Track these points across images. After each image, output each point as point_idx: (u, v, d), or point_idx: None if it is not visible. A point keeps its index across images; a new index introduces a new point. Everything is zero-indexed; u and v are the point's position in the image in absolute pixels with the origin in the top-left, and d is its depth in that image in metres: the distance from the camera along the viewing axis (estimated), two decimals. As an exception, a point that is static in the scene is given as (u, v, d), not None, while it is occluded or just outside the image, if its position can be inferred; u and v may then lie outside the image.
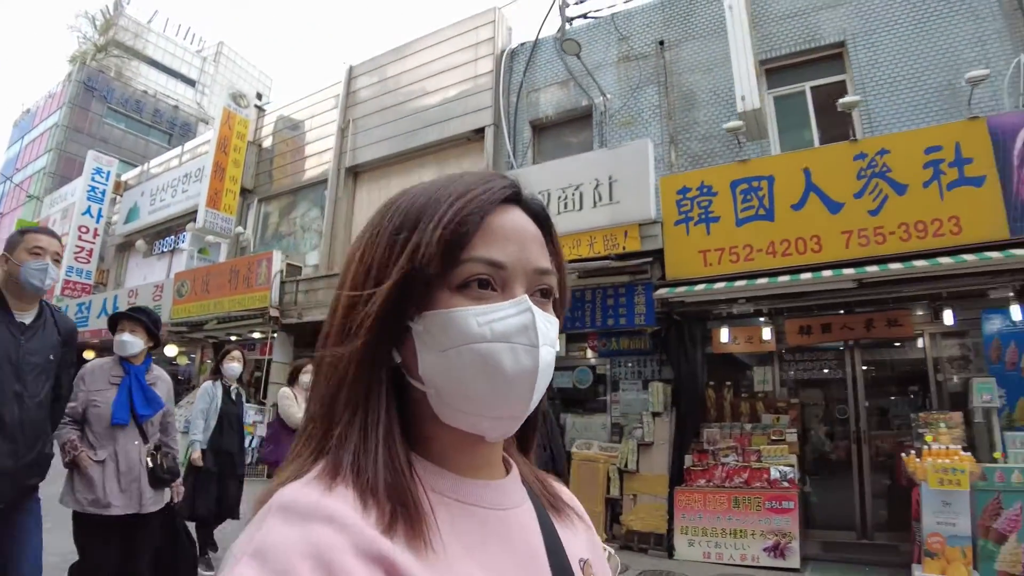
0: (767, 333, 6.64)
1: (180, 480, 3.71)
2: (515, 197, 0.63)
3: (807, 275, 5.50)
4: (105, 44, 37.84)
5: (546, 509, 0.70)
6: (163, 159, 17.54)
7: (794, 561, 5.50)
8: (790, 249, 5.74)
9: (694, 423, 6.58)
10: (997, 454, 5.18)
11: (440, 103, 10.46)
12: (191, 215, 13.33)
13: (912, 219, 5.40)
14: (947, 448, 5.10)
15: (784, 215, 5.84)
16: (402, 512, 0.51)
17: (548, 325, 0.60)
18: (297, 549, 0.45)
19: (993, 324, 5.70)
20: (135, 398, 3.40)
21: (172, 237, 15.53)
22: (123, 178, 18.40)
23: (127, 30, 40.22)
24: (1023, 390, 5.55)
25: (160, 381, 3.62)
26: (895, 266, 5.24)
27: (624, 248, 6.40)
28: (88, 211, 17.38)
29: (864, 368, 6.74)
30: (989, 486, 4.98)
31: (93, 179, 17.56)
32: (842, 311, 6.61)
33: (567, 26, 9.42)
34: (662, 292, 6.11)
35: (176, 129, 35.89)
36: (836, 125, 7.03)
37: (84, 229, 17.23)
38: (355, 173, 11.77)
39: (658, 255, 6.46)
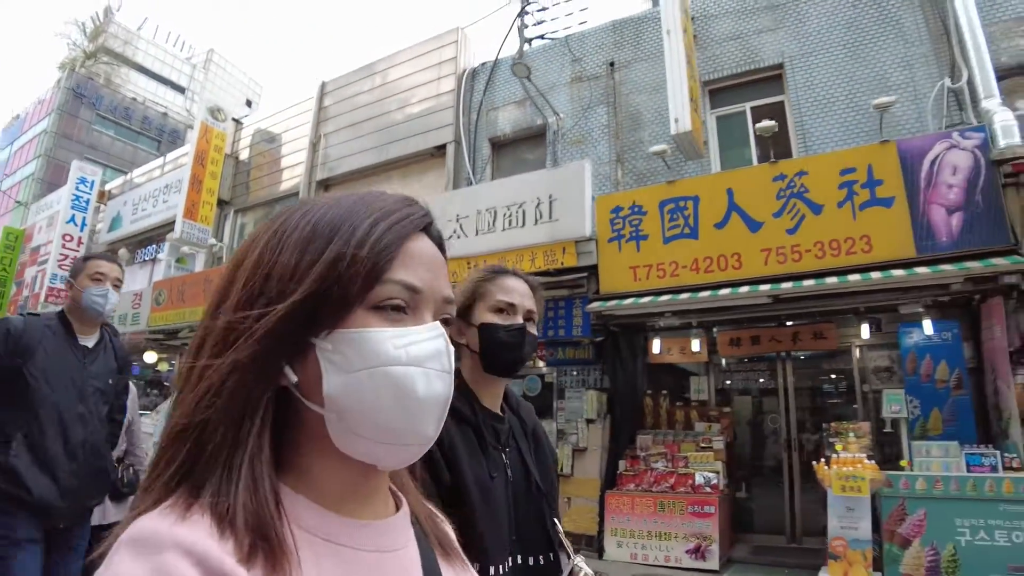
0: (696, 345, 7.01)
1: None
2: (428, 225, 0.64)
3: (726, 291, 5.85)
4: (95, 51, 38.19)
5: (435, 552, 0.68)
6: (145, 169, 17.88)
7: (713, 563, 5.85)
8: (712, 266, 6.09)
9: (630, 430, 6.93)
10: (903, 462, 5.51)
11: (405, 120, 10.83)
12: (171, 225, 13.62)
13: (827, 238, 5.75)
14: (853, 456, 5.44)
15: (708, 233, 6.20)
16: (262, 546, 0.48)
17: (451, 354, 0.60)
18: None
19: (910, 338, 6.04)
20: None
21: (153, 246, 15.84)
22: (107, 187, 18.71)
23: (117, 37, 40.55)
24: (936, 401, 5.89)
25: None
26: (808, 283, 5.60)
27: (562, 264, 6.75)
28: (72, 219, 17.65)
29: (795, 379, 7.08)
30: (895, 493, 5.31)
31: (77, 188, 17.84)
32: (774, 324, 6.96)
33: (525, 47, 9.81)
34: (595, 306, 6.48)
35: (165, 136, 36.11)
36: (774, 144, 7.39)
37: (68, 237, 17.50)
38: (326, 186, 12.10)
39: (593, 270, 6.81)
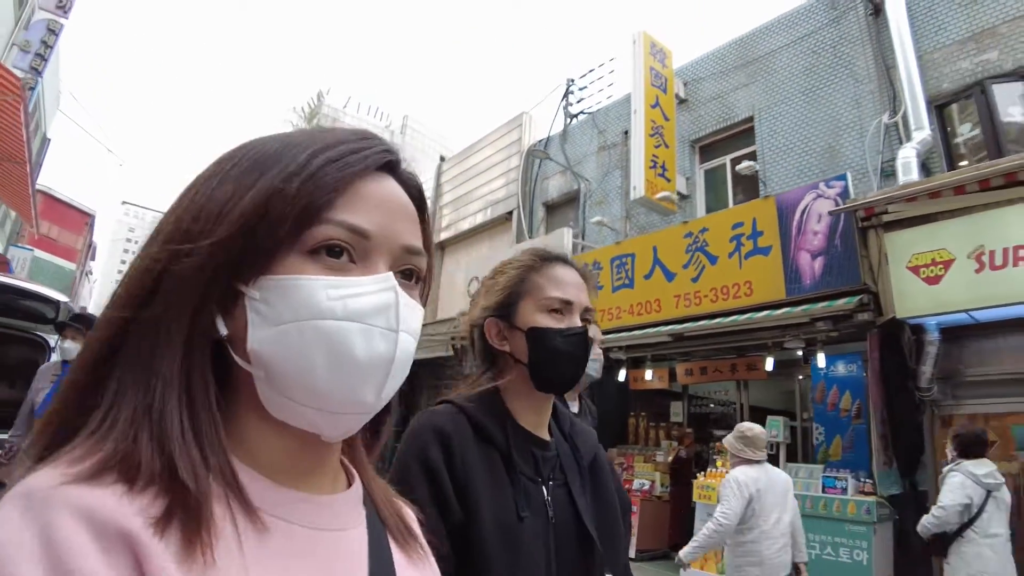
0: (648, 374, 8.68)
1: None
2: (390, 165, 0.57)
3: (646, 330, 7.72)
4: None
5: (392, 538, 0.62)
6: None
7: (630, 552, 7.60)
8: (642, 310, 7.95)
9: (607, 445, 8.86)
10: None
11: (489, 192, 13.70)
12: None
13: (720, 284, 7.33)
14: (721, 471, 6.59)
15: (640, 283, 8.08)
16: (180, 508, 0.42)
17: (411, 311, 0.54)
18: (26, 547, 0.37)
19: (821, 369, 6.98)
20: None
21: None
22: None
23: (327, 116, 49.66)
24: (839, 429, 6.75)
25: None
26: (702, 323, 7.27)
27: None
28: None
29: (751, 402, 8.43)
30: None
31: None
32: (719, 357, 8.22)
33: (570, 122, 12.19)
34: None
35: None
36: (747, 191, 8.90)
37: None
38: (442, 247, 15.39)
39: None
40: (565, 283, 1.22)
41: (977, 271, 5.44)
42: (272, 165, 0.52)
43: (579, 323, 1.20)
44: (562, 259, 1.29)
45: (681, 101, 9.94)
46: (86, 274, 39.35)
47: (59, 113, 22.58)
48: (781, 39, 8.94)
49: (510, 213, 12.81)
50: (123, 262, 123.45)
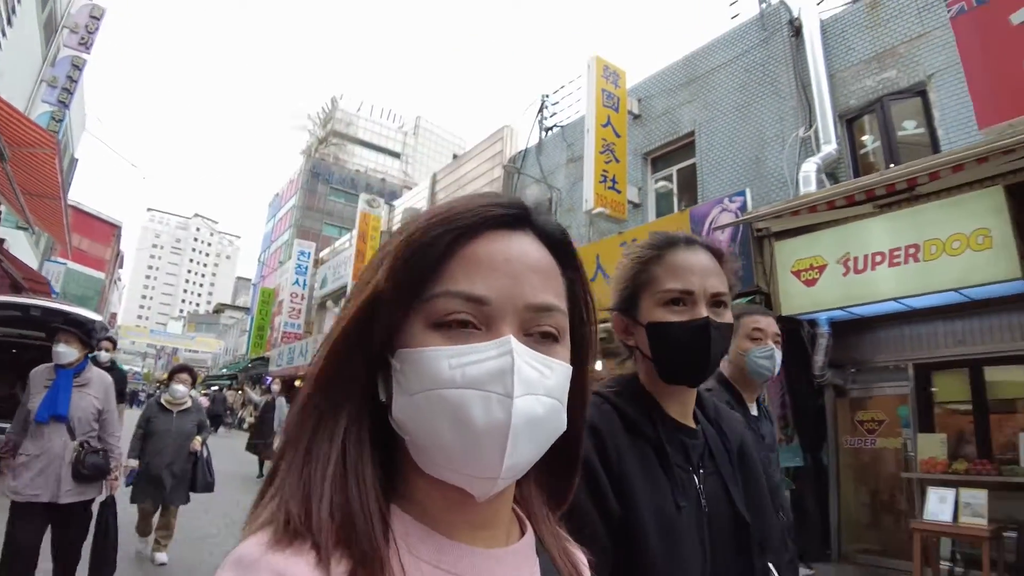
0: (599, 365, 9.84)
1: (116, 475, 4.07)
2: (516, 221, 0.58)
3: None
4: (326, 136, 48.86)
5: None
6: (341, 242, 24.32)
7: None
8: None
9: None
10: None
11: (475, 198, 14.89)
12: (349, 285, 19.36)
13: None
14: None
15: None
16: (362, 568, 0.47)
17: (540, 372, 0.54)
18: None
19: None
20: (59, 399, 3.73)
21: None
22: (321, 255, 25.64)
23: (341, 120, 51.38)
24: None
25: (93, 382, 3.96)
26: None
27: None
28: (296, 282, 24.76)
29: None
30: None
31: (299, 259, 24.96)
32: None
33: (544, 135, 13.31)
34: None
35: (385, 196, 44.90)
36: (691, 201, 9.96)
37: (294, 296, 24.59)
38: (435, 249, 16.65)
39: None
40: (686, 270, 1.16)
41: (844, 275, 6.50)
42: (409, 240, 0.55)
43: (703, 313, 1.13)
44: (686, 241, 1.22)
45: (635, 117, 11.00)
46: (115, 281, 41.51)
47: (85, 133, 24.28)
48: (719, 58, 9.94)
49: (494, 220, 13.96)
50: (150, 267, 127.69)
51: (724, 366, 2.36)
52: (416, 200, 18.14)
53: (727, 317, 1.18)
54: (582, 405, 0.64)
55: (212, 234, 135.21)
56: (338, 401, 0.54)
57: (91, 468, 3.80)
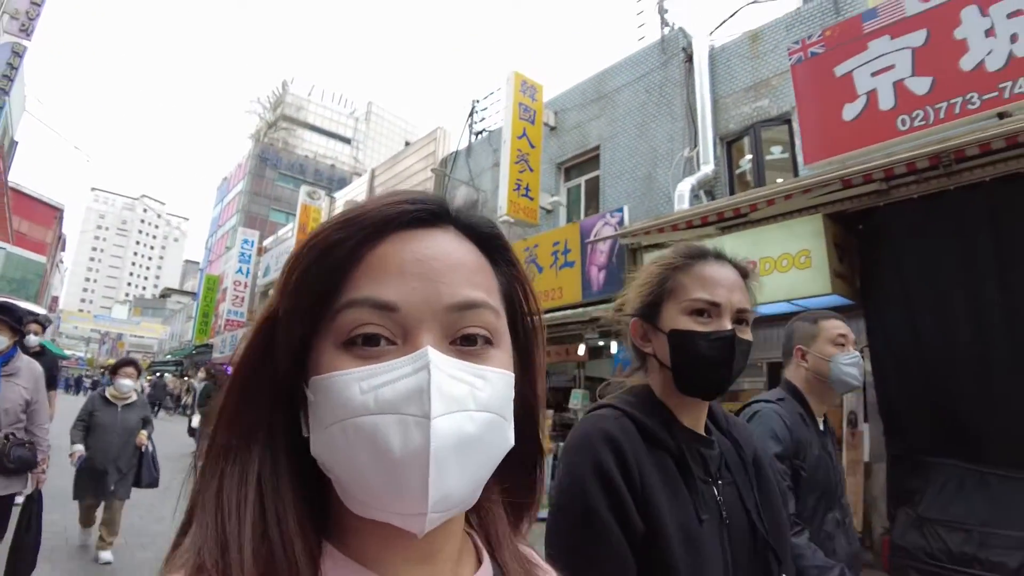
0: None
1: (41, 468, 3.98)
2: (433, 218, 0.53)
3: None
4: (275, 120, 48.72)
5: None
6: (284, 231, 24.80)
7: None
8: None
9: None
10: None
11: (410, 195, 15.68)
12: (289, 275, 19.93)
13: (543, 288, 9.45)
14: None
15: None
16: None
17: (470, 384, 0.48)
18: None
19: (616, 354, 8.85)
20: None
21: (286, 289, 22.61)
22: (264, 244, 26.06)
23: (291, 104, 51.19)
24: None
25: (22, 371, 3.84)
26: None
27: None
28: (240, 270, 25.17)
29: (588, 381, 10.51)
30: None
31: (242, 247, 25.35)
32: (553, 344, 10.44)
33: (474, 139, 14.16)
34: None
35: (335, 183, 45.06)
36: (595, 209, 10.94)
37: (238, 283, 25.01)
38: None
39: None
40: (714, 282, 1.17)
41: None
42: (305, 251, 0.49)
43: (728, 326, 1.14)
44: (714, 255, 1.24)
45: (551, 128, 11.94)
46: (56, 264, 40.93)
47: (25, 114, 24.15)
48: (624, 77, 10.94)
49: (425, 218, 14.80)
50: (94, 249, 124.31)
51: (794, 374, 2.17)
52: (357, 193, 18.81)
53: (748, 335, 1.19)
54: (534, 411, 0.58)
55: (159, 216, 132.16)
56: (249, 439, 0.49)
57: (16, 461, 3.73)
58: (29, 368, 3.94)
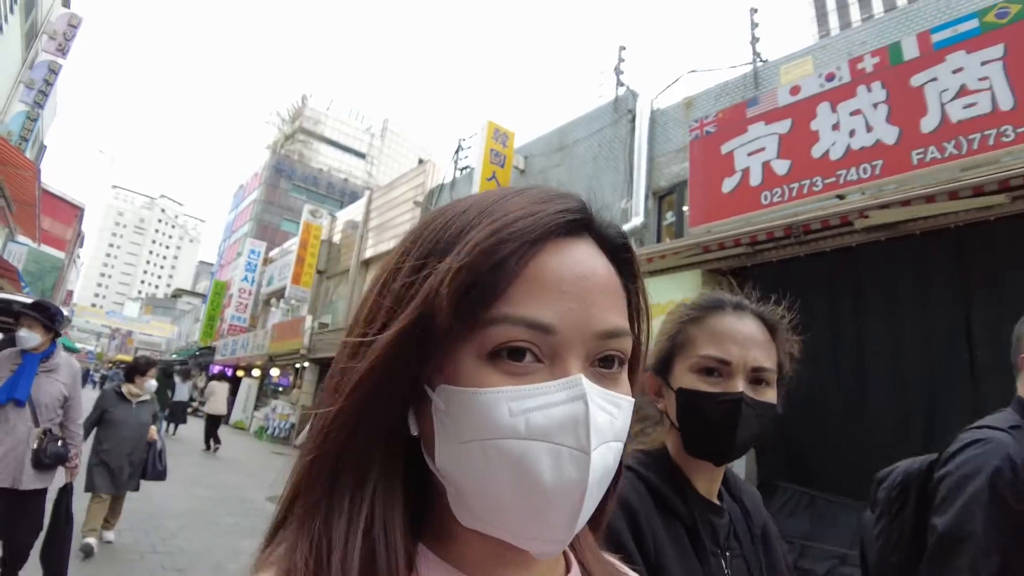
0: None
1: (74, 463, 4.13)
2: (580, 225, 0.52)
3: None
4: (292, 132, 51.04)
5: None
6: (287, 245, 26.68)
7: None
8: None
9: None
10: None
11: (398, 224, 17.44)
12: (292, 285, 21.79)
13: None
14: None
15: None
16: None
17: (610, 414, 0.48)
18: None
19: None
20: (19, 383, 3.80)
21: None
22: (270, 255, 27.95)
23: (309, 118, 53.57)
24: None
25: (61, 367, 4.03)
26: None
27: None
28: (245, 278, 27.05)
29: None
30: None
31: (249, 257, 27.24)
32: None
33: (459, 174, 15.94)
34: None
35: (346, 197, 47.06)
36: None
37: (243, 291, 26.89)
38: (367, 263, 19.13)
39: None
40: (727, 338, 1.10)
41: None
42: (450, 246, 0.47)
43: (738, 387, 1.07)
44: (735, 305, 1.16)
45: (521, 172, 13.66)
46: (74, 260, 43.21)
47: (56, 119, 26.32)
48: (582, 131, 12.66)
49: (411, 243, 16.55)
50: (111, 246, 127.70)
51: None
52: (355, 214, 20.60)
53: (768, 395, 1.11)
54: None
55: (177, 216, 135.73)
56: (372, 435, 0.48)
57: (51, 457, 3.90)
58: (68, 365, 4.12)
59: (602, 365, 0.50)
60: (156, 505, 7.59)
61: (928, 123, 6.44)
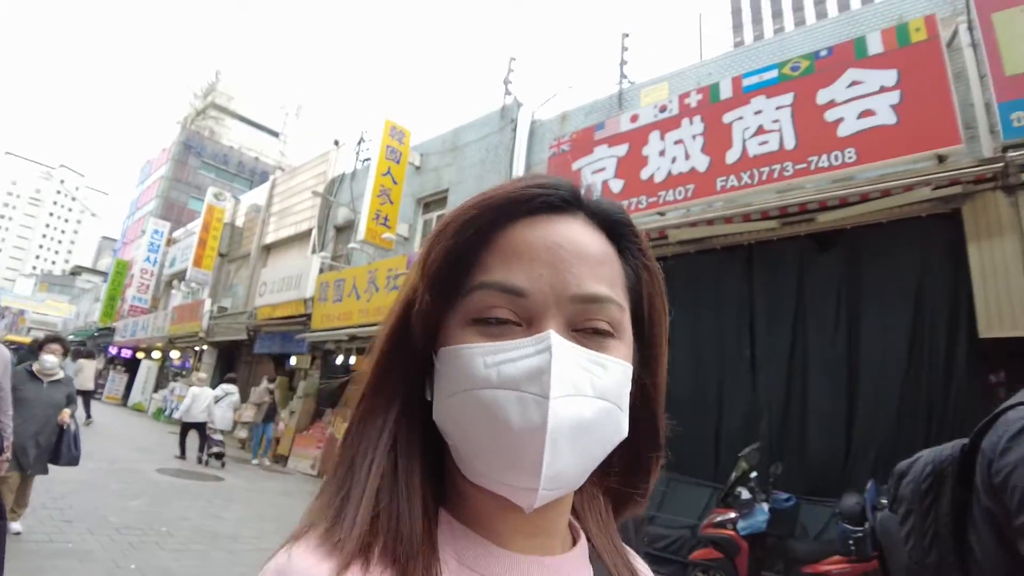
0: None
1: (5, 457, 4.16)
2: (563, 204, 0.56)
3: (347, 330, 12.35)
4: (204, 107, 49.83)
5: None
6: (191, 226, 26.58)
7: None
8: (366, 319, 12.44)
9: (328, 406, 13.48)
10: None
11: (303, 209, 18.00)
12: (193, 268, 21.90)
13: (376, 306, 11.93)
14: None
15: (347, 299, 12.68)
16: None
17: (589, 371, 0.51)
18: None
19: None
20: None
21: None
22: (174, 235, 27.74)
23: (223, 93, 52.35)
24: None
25: None
26: (374, 328, 11.97)
27: (302, 311, 13.57)
28: (148, 259, 26.80)
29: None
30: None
31: (152, 237, 26.99)
32: None
33: (361, 165, 16.64)
34: (305, 335, 13.22)
35: (256, 177, 46.41)
36: None
37: (145, 271, 26.65)
38: (268, 248, 19.56)
39: (310, 317, 13.54)
40: None
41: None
42: (441, 231, 0.55)
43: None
44: None
45: (416, 168, 14.52)
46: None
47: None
48: (472, 135, 13.62)
49: (310, 230, 17.20)
50: (2, 216, 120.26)
51: None
52: (258, 198, 20.94)
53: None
54: (653, 404, 0.62)
55: (78, 188, 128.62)
56: (387, 404, 0.55)
57: None
58: None
59: (587, 332, 0.53)
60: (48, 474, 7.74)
61: (732, 155, 7.72)
